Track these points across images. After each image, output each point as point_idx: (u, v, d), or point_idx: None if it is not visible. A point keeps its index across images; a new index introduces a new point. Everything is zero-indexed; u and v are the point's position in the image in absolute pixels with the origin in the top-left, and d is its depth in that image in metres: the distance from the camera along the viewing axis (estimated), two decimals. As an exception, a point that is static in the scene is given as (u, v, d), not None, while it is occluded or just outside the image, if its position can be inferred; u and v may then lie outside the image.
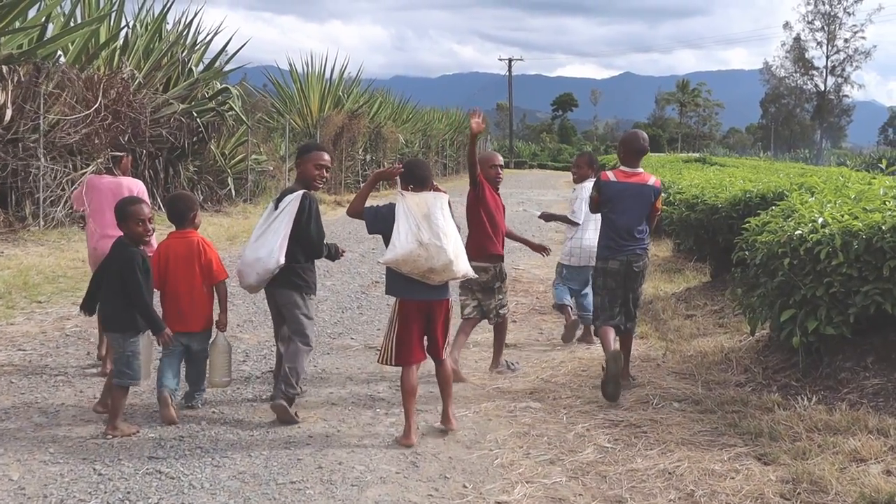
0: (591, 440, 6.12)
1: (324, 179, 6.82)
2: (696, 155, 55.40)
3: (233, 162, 25.25)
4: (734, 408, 6.72)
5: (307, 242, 6.53)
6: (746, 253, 7.93)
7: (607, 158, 39.62)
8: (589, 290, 9.12)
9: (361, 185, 34.67)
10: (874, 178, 9.22)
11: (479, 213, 7.88)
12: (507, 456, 5.78)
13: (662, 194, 8.15)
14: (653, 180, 7.69)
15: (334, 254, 6.94)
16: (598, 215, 8.38)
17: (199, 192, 22.38)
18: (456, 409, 6.65)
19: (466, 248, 6.87)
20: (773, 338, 7.90)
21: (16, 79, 16.01)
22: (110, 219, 6.94)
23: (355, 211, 6.23)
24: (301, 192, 6.56)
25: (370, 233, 6.31)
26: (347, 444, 5.93)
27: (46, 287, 11.29)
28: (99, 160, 17.14)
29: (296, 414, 6.43)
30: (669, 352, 8.68)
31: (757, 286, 7.69)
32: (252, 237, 6.64)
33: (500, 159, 8.32)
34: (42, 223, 16.39)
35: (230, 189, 24.16)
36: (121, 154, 8.24)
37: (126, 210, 6.18)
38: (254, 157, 26.21)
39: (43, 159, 16.49)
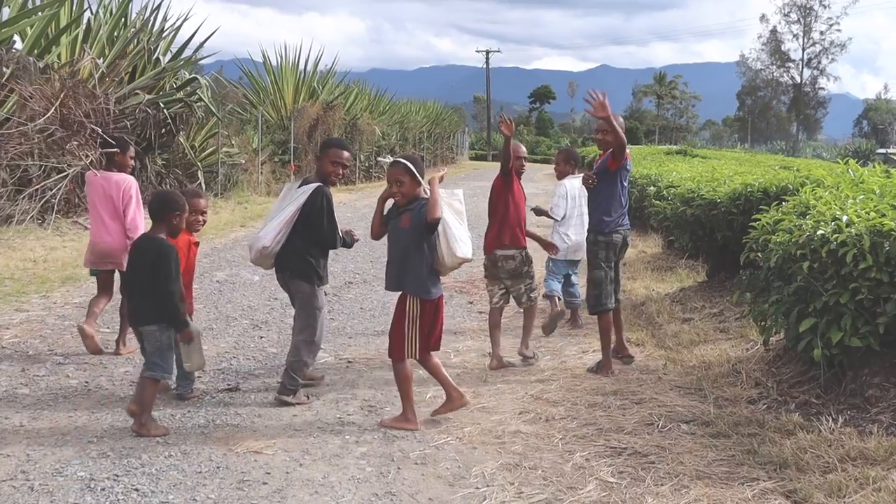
0: (593, 473, 5.30)
1: (339, 176, 6.93)
2: (677, 147, 54.96)
3: (203, 155, 24.30)
4: (750, 430, 5.95)
5: (320, 236, 6.67)
6: (759, 255, 7.16)
7: (586, 151, 38.93)
8: (575, 276, 9.69)
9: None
10: (890, 170, 8.43)
11: (507, 201, 8.01)
12: (497, 496, 4.94)
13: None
14: None
15: (350, 242, 7.04)
16: (583, 210, 8.90)
17: (168, 186, 21.37)
18: (436, 434, 5.97)
19: (492, 236, 8.00)
20: (787, 348, 7.14)
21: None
22: (101, 215, 7.79)
23: (434, 218, 6.03)
24: (315, 185, 6.68)
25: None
26: (311, 482, 5.08)
27: (-11, 291, 10.34)
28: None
29: (307, 396, 6.76)
30: (670, 362, 7.91)
31: (769, 291, 6.92)
32: (266, 217, 6.93)
33: (524, 151, 8.43)
34: (-3, 220, 15.44)
35: (200, 183, 23.16)
36: (113, 150, 8.03)
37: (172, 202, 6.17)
38: (225, 149, 25.22)
39: (-2, 152, 15.54)
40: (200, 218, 6.88)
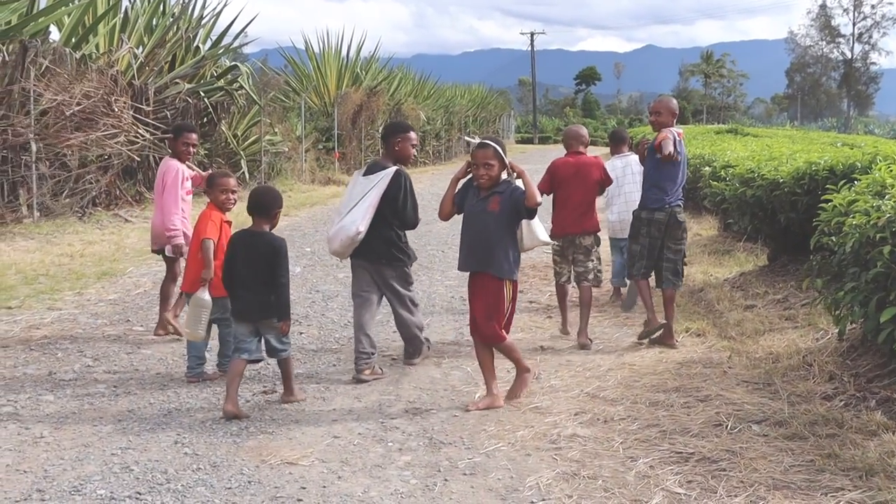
0: (659, 483, 4.82)
1: (414, 157, 7.46)
2: (727, 126, 54.02)
3: (246, 144, 24.00)
4: (828, 430, 5.45)
5: (404, 217, 6.97)
6: (832, 239, 6.61)
7: (634, 131, 38.22)
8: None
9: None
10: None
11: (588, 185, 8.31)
12: (554, 511, 4.50)
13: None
14: None
15: None
16: (626, 190, 9.49)
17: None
18: (486, 440, 5.50)
19: (573, 218, 8.18)
20: (863, 338, 6.61)
21: (1, 58, 14.79)
22: (155, 197, 8.21)
23: (537, 203, 6.19)
24: (394, 168, 6.93)
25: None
26: (350, 497, 4.64)
27: (22, 289, 9.94)
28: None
29: (428, 347, 7.46)
30: (734, 353, 7.39)
31: (843, 277, 6.39)
32: (341, 207, 7.02)
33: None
34: (37, 214, 15.20)
35: (244, 172, 22.86)
36: (168, 136, 8.40)
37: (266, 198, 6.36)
38: (268, 138, 24.88)
39: (34, 146, 15.27)
40: (231, 196, 6.95)
